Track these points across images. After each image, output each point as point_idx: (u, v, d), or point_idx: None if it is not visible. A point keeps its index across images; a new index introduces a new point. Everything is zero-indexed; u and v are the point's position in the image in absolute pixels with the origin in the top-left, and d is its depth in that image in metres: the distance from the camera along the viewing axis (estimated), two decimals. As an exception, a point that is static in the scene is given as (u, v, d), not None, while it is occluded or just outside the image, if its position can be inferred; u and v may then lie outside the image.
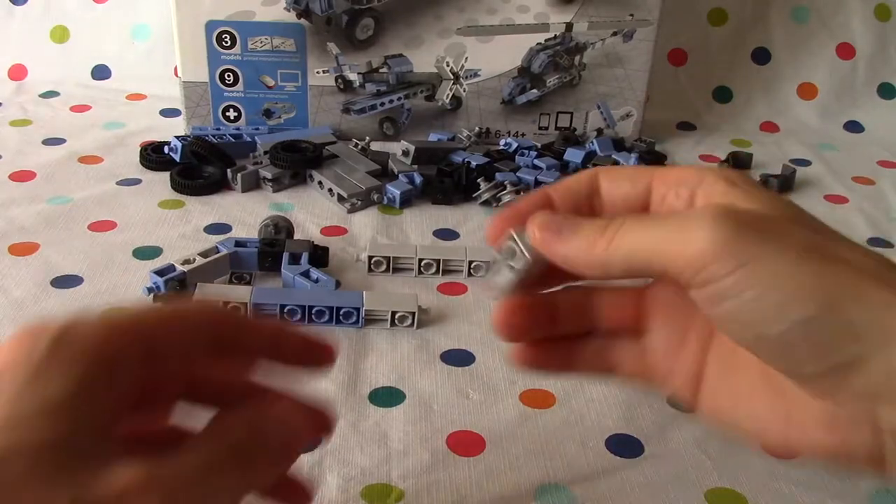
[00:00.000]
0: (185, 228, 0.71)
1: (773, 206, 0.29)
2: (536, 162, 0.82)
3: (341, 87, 0.86)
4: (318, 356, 0.33)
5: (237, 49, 0.83)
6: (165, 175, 0.78)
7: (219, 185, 0.77)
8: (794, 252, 0.27)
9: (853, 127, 1.00)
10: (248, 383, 0.34)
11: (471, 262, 0.66)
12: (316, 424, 0.32)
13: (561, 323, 0.34)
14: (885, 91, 1.03)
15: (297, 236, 0.68)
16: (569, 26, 0.85)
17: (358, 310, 0.58)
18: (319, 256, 0.65)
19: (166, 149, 0.80)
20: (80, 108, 0.93)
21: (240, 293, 0.58)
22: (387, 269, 0.65)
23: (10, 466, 0.24)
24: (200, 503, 0.26)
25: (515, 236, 0.31)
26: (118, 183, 0.78)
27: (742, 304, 0.27)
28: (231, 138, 0.83)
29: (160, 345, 0.29)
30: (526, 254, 0.31)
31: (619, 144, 0.88)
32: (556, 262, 0.30)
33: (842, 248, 0.28)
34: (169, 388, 0.32)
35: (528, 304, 0.34)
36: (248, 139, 0.83)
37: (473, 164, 0.79)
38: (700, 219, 0.27)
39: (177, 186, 0.76)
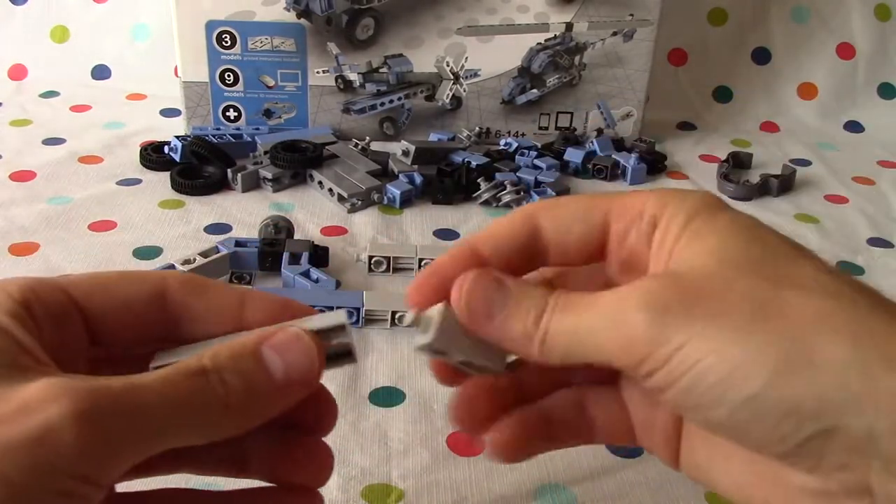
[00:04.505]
0: (186, 228, 0.71)
1: (725, 245, 0.26)
2: (536, 162, 0.82)
3: (341, 87, 0.86)
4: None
5: (237, 49, 0.83)
6: (165, 175, 0.78)
7: (219, 185, 0.77)
8: (730, 322, 0.24)
9: (853, 127, 1.00)
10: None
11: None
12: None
13: (526, 389, 0.31)
14: (885, 91, 1.03)
15: (297, 236, 0.68)
16: (569, 26, 0.85)
17: (358, 310, 0.58)
18: (319, 256, 0.65)
19: (166, 149, 0.80)
20: (80, 108, 0.93)
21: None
22: (387, 269, 0.65)
23: None
24: (130, 431, 0.22)
25: (436, 311, 0.27)
26: (118, 183, 0.78)
27: (682, 391, 0.24)
28: (231, 138, 0.83)
29: (94, 302, 0.27)
30: (432, 333, 0.27)
31: (619, 144, 0.88)
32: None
33: (795, 292, 0.24)
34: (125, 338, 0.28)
35: (486, 390, 0.30)
36: (248, 139, 0.83)
37: (473, 164, 0.79)
38: (628, 309, 0.25)
39: (177, 186, 0.76)
